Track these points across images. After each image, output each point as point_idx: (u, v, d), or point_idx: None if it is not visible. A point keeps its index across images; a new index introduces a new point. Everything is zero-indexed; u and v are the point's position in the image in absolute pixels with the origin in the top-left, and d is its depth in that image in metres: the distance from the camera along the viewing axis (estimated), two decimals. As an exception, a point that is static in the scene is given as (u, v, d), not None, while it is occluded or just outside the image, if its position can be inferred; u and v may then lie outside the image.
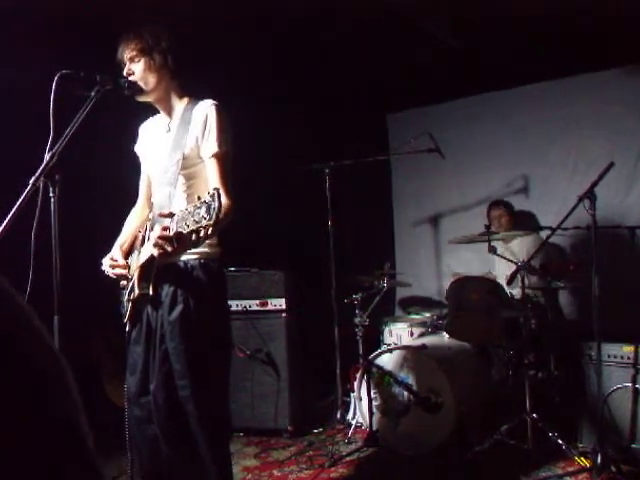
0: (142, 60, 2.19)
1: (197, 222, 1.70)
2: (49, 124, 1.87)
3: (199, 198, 1.72)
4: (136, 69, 2.19)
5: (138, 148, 2.45)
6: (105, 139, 3.16)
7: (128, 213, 2.47)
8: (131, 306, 2.19)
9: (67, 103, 1.91)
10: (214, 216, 1.65)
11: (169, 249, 1.83)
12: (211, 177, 2.14)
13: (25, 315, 0.56)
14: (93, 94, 1.99)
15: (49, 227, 1.87)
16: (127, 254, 2.28)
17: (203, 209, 1.69)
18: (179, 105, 2.28)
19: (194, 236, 1.73)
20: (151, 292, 2.10)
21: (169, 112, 2.31)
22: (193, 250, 2.12)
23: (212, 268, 2.19)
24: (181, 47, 2.26)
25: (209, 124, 2.15)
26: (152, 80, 2.21)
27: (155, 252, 1.89)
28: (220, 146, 2.13)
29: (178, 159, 2.15)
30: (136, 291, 2.10)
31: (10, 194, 1.82)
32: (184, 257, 2.16)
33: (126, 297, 2.20)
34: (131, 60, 2.19)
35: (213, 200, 1.67)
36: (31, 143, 2.04)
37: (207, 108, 2.18)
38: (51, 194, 1.87)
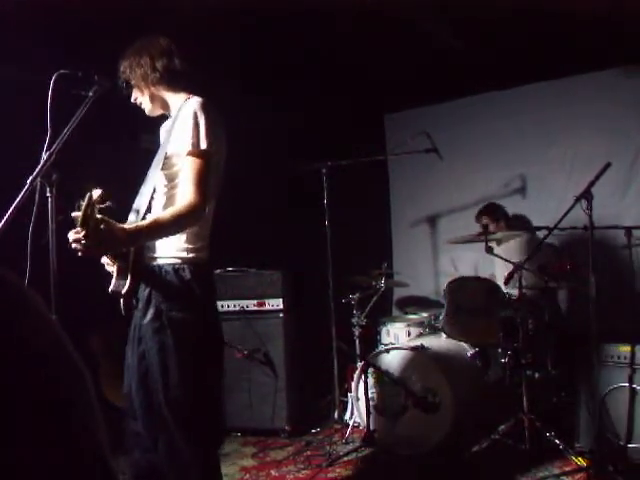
0: (134, 87, 2.23)
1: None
2: (47, 124, 1.87)
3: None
4: (136, 99, 2.25)
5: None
6: (103, 138, 3.16)
7: (126, 212, 2.45)
8: (122, 302, 2.17)
9: (65, 103, 1.90)
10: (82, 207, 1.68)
11: (81, 247, 1.80)
12: (183, 174, 2.05)
13: (49, 327, 0.55)
14: (91, 94, 1.99)
15: (46, 227, 1.86)
16: None
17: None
18: (177, 105, 2.26)
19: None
20: (124, 290, 2.06)
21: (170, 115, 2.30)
22: (169, 254, 2.10)
23: (186, 274, 2.09)
24: (172, 51, 2.24)
25: (189, 121, 2.05)
26: (147, 98, 2.24)
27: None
28: (197, 144, 2.03)
29: (161, 158, 2.12)
30: (110, 287, 2.09)
31: (7, 193, 1.81)
32: (160, 261, 2.12)
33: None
34: (127, 80, 2.23)
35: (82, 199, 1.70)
36: (29, 143, 2.04)
37: (191, 106, 2.09)
38: (48, 194, 1.86)
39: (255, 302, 3.89)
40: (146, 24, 2.27)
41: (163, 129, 2.36)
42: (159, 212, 2.11)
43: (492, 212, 4.51)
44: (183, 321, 2.08)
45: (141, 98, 2.26)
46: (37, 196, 1.85)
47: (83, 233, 1.74)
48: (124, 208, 2.47)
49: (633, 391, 2.97)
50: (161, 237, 2.06)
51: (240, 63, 3.93)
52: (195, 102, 2.11)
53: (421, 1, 3.68)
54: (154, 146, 2.43)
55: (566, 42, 4.12)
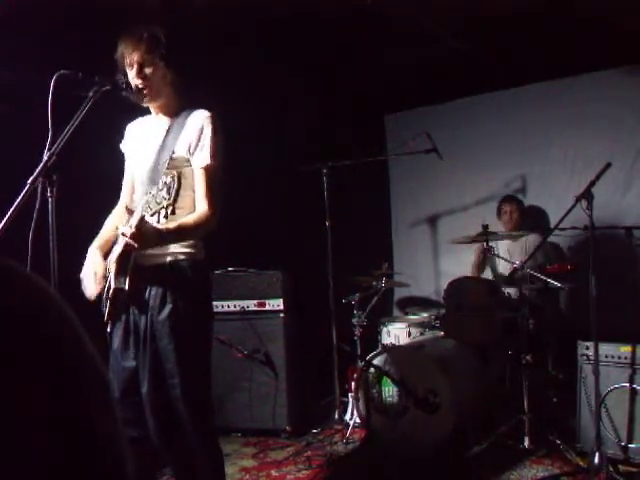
0: (158, 65, 2.15)
1: (159, 203, 1.86)
2: (47, 124, 1.87)
3: (163, 182, 1.87)
4: (150, 73, 2.15)
5: (124, 147, 2.45)
6: (103, 139, 3.16)
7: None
8: (110, 304, 2.17)
9: (65, 103, 1.90)
10: (173, 194, 1.83)
11: (135, 245, 1.92)
12: (198, 187, 2.17)
13: (73, 323, 0.55)
14: (91, 94, 1.99)
15: (47, 227, 1.87)
16: (107, 255, 2.26)
17: (164, 190, 1.85)
18: (176, 109, 2.27)
19: (156, 217, 1.87)
20: (126, 287, 2.08)
21: (167, 115, 2.29)
22: (179, 250, 2.17)
23: (199, 269, 2.21)
24: (182, 50, 2.25)
25: (204, 135, 2.16)
26: (164, 85, 2.21)
27: (120, 248, 2.02)
28: (212, 158, 2.16)
29: (165, 160, 2.16)
30: (112, 286, 2.09)
31: (8, 194, 1.81)
32: (171, 257, 2.17)
33: (104, 294, 2.18)
34: (142, 62, 2.13)
35: (173, 181, 1.85)
36: (30, 143, 2.04)
37: (203, 119, 2.19)
38: (49, 194, 1.87)
39: (255, 302, 3.89)
40: (146, 24, 2.26)
41: (147, 128, 2.36)
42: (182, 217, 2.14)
43: (520, 202, 4.67)
44: (200, 316, 2.19)
45: (162, 79, 2.19)
46: (38, 196, 1.85)
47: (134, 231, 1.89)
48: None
49: (633, 391, 2.97)
50: (180, 241, 2.16)
51: (240, 64, 3.93)
52: (208, 116, 2.20)
53: (422, 1, 3.69)
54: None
55: (566, 42, 4.12)
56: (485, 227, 3.71)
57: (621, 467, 2.92)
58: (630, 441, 2.95)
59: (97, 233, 2.36)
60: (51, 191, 1.86)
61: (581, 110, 4.76)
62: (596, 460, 2.82)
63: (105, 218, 2.43)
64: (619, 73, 4.58)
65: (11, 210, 1.77)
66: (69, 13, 2.99)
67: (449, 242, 4.56)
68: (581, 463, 2.97)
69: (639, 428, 2.95)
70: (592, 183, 2.93)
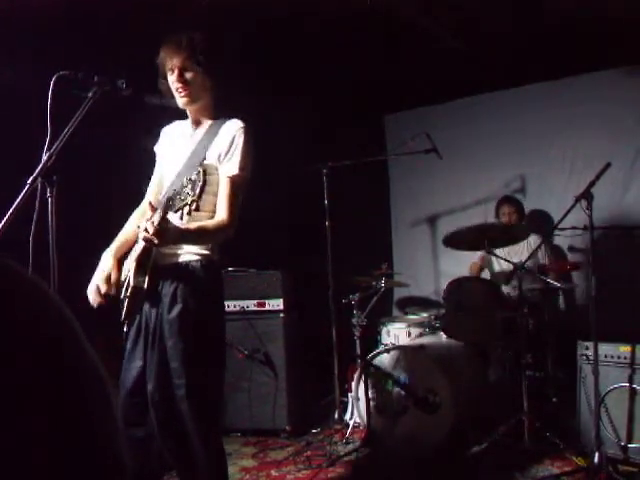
0: (199, 70, 2.17)
1: (183, 200, 1.84)
2: (47, 124, 1.88)
3: (188, 179, 1.85)
4: (190, 78, 2.17)
5: (157, 148, 2.46)
6: (103, 139, 3.16)
7: (126, 213, 2.45)
8: (128, 303, 2.18)
9: (65, 103, 1.91)
10: (197, 191, 1.80)
11: (155, 241, 1.90)
12: (221, 194, 2.19)
13: (72, 324, 0.55)
14: (91, 95, 1.99)
15: (47, 227, 1.87)
16: (123, 258, 2.27)
17: (189, 187, 1.83)
18: (211, 116, 2.29)
19: (179, 213, 1.86)
20: (146, 286, 2.09)
21: (198, 122, 2.31)
22: (194, 251, 2.18)
23: (212, 270, 2.22)
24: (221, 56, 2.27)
25: (235, 145, 2.18)
26: (203, 91, 2.22)
27: (141, 243, 2.02)
28: (240, 169, 2.18)
29: (194, 166, 2.16)
30: (131, 284, 2.10)
31: (8, 194, 1.82)
32: (185, 257, 2.18)
33: (123, 293, 2.20)
34: (183, 67, 2.16)
35: (198, 178, 1.81)
36: (29, 143, 2.04)
37: (236, 129, 2.20)
38: (48, 194, 1.87)
39: (255, 302, 3.89)
40: (146, 24, 2.26)
41: (181, 132, 2.38)
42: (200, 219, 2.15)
43: (519, 203, 4.60)
44: (210, 317, 2.19)
45: (202, 85, 2.21)
46: (38, 197, 1.86)
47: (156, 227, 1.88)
48: (122, 207, 2.48)
49: (633, 391, 2.97)
50: (197, 243, 2.19)
51: (240, 63, 3.93)
52: (241, 127, 2.22)
53: (422, 1, 3.69)
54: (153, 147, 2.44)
55: (566, 42, 4.12)
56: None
57: (621, 467, 2.92)
58: (630, 441, 2.95)
59: (97, 234, 2.36)
60: (51, 191, 1.87)
61: (581, 110, 4.76)
62: (596, 460, 2.83)
63: (105, 218, 2.43)
64: (619, 73, 4.58)
65: (11, 210, 1.77)
66: (69, 13, 2.99)
67: (448, 247, 4.52)
68: (581, 463, 2.97)
69: (639, 428, 2.95)
70: (592, 183, 2.93)
